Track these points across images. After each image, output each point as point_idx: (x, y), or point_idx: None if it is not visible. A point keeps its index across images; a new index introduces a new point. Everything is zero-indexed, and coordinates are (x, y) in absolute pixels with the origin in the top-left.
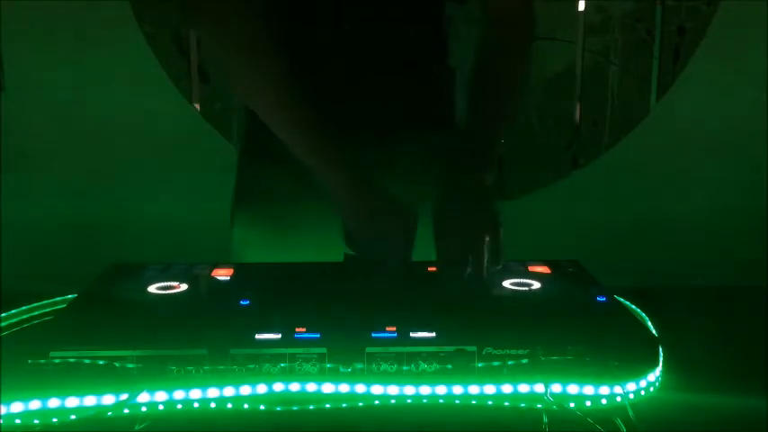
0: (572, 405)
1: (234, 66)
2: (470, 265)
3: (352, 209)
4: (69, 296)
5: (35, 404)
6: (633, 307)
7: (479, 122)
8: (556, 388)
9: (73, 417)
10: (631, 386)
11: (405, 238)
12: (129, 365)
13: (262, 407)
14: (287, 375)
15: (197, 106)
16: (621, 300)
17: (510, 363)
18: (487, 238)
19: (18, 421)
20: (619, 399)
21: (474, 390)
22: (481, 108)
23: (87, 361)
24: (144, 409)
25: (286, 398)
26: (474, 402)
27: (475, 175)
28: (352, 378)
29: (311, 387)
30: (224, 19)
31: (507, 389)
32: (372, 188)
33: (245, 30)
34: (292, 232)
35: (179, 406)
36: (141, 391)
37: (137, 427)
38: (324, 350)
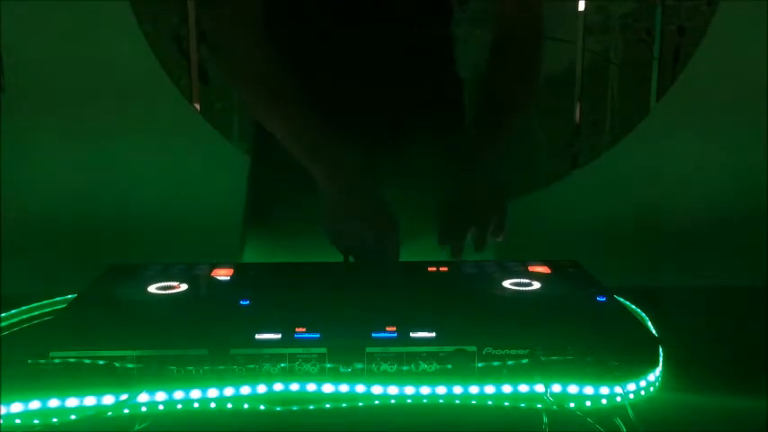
0: (572, 405)
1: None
2: (471, 238)
3: (329, 207)
4: (69, 296)
5: (35, 404)
6: (633, 307)
7: (490, 113)
8: (556, 388)
9: (73, 417)
10: (631, 386)
11: (376, 243)
12: (129, 365)
13: (262, 407)
14: (287, 375)
15: (197, 106)
16: (621, 300)
17: (510, 363)
18: (491, 219)
19: (18, 421)
20: (619, 399)
21: (474, 390)
22: (492, 99)
23: (87, 361)
24: (144, 409)
25: (286, 398)
26: (474, 402)
27: (485, 164)
28: (352, 378)
29: (311, 387)
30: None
31: (507, 389)
32: (356, 191)
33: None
34: (302, 239)
35: (179, 406)
36: (141, 391)
37: (137, 427)
38: (324, 350)
